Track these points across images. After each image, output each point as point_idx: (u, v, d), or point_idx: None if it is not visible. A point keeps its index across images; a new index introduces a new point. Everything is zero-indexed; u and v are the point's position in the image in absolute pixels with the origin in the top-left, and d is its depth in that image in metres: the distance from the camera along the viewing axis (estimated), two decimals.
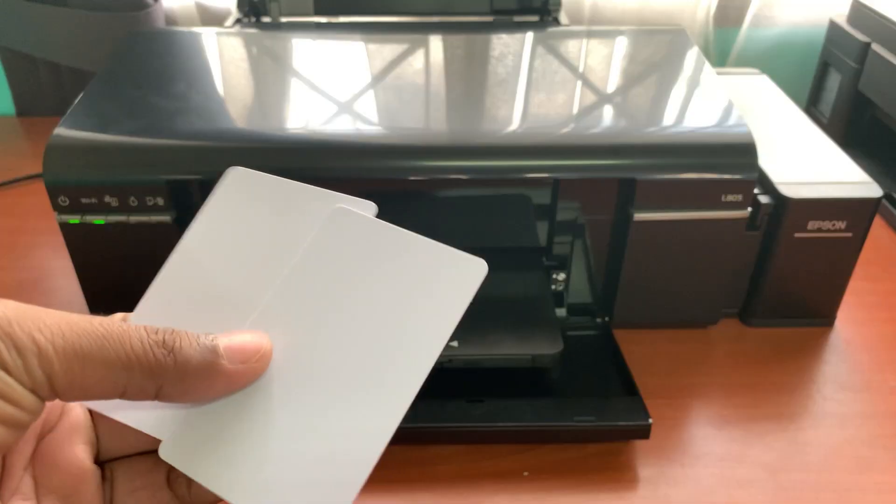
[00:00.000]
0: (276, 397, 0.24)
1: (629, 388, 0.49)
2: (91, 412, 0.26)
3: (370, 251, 0.27)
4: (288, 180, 0.29)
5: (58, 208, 0.49)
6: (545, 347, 0.48)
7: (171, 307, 0.27)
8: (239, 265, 0.27)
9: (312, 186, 0.28)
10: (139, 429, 0.25)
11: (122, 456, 0.26)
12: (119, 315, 0.28)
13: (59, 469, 0.24)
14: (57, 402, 0.24)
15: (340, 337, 0.25)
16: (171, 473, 0.26)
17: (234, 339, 0.24)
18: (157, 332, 0.22)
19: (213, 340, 0.23)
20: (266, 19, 0.72)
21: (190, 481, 0.26)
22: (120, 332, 0.21)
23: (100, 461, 0.26)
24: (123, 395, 0.22)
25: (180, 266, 0.28)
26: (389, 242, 0.27)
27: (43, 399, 0.21)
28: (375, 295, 0.26)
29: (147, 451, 0.26)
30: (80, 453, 0.25)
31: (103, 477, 0.26)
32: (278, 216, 0.28)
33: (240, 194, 0.29)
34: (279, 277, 0.27)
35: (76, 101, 0.53)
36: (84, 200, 0.49)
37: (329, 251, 0.27)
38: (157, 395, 0.22)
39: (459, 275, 0.26)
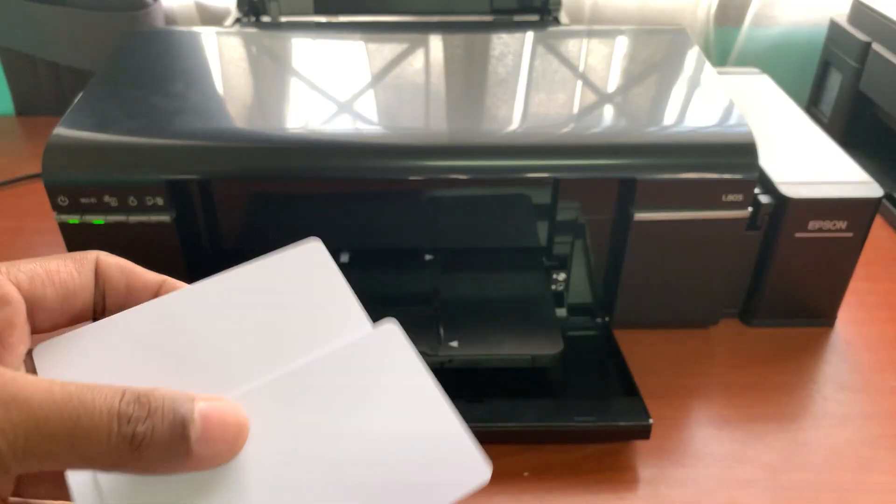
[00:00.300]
0: (223, 489, 0.23)
1: (629, 389, 0.49)
2: None
3: (394, 388, 0.25)
4: (347, 287, 0.27)
5: (57, 208, 0.49)
6: (545, 348, 0.48)
7: (144, 343, 0.25)
8: (240, 333, 0.25)
9: (361, 308, 0.26)
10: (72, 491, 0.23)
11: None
12: (92, 255, 0.26)
13: None
14: None
15: (316, 456, 0.24)
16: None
17: (213, 416, 0.22)
18: (129, 421, 0.20)
19: (187, 428, 0.21)
20: (266, 19, 0.72)
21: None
22: (89, 425, 0.20)
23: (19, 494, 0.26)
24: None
25: (179, 303, 0.26)
26: (417, 392, 0.25)
27: None
28: (375, 435, 0.24)
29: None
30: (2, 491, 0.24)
31: None
32: (311, 310, 0.26)
33: (295, 267, 0.27)
34: (287, 363, 0.25)
35: (76, 100, 0.53)
36: (83, 200, 0.49)
37: (359, 363, 0.25)
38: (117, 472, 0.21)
39: (461, 468, 0.24)
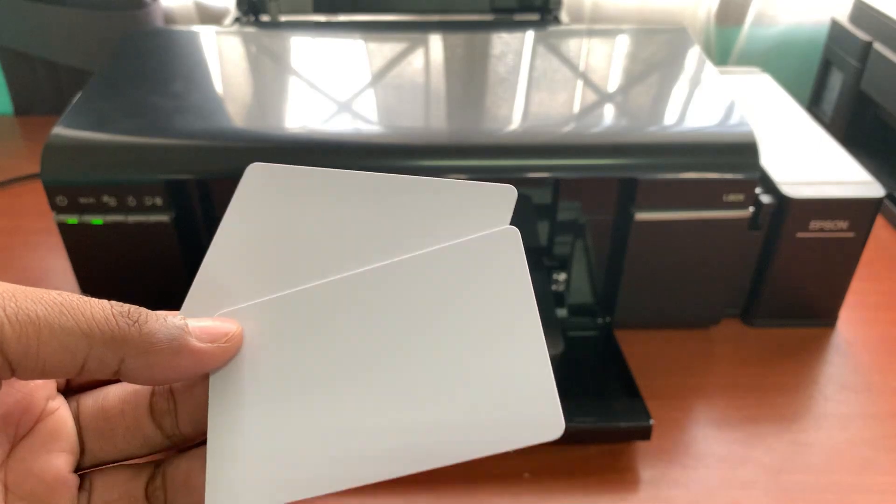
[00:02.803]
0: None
1: (630, 389, 0.48)
2: (77, 418, 0.25)
3: (492, 304, 0.24)
4: (313, 168, 0.26)
5: (56, 208, 0.49)
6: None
7: (221, 293, 0.25)
8: (283, 254, 0.25)
9: (341, 171, 0.25)
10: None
11: (109, 462, 0.26)
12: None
13: (33, 476, 0.23)
14: (32, 404, 0.23)
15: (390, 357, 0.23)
16: (150, 485, 0.25)
17: (202, 321, 0.23)
18: (121, 305, 0.22)
19: (181, 319, 0.23)
20: (265, 18, 0.72)
21: (167, 495, 0.25)
22: (80, 301, 0.21)
23: (83, 468, 0.25)
24: (82, 368, 0.21)
25: (217, 260, 0.25)
26: (516, 314, 0.24)
27: None
28: (455, 352, 0.23)
29: (132, 458, 0.26)
30: (57, 461, 0.24)
31: (81, 486, 0.25)
32: (312, 206, 0.25)
33: (264, 190, 0.26)
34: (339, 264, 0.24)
35: (74, 100, 0.53)
36: (82, 200, 0.48)
37: (462, 268, 0.24)
38: (119, 371, 0.22)
39: (535, 417, 0.23)
